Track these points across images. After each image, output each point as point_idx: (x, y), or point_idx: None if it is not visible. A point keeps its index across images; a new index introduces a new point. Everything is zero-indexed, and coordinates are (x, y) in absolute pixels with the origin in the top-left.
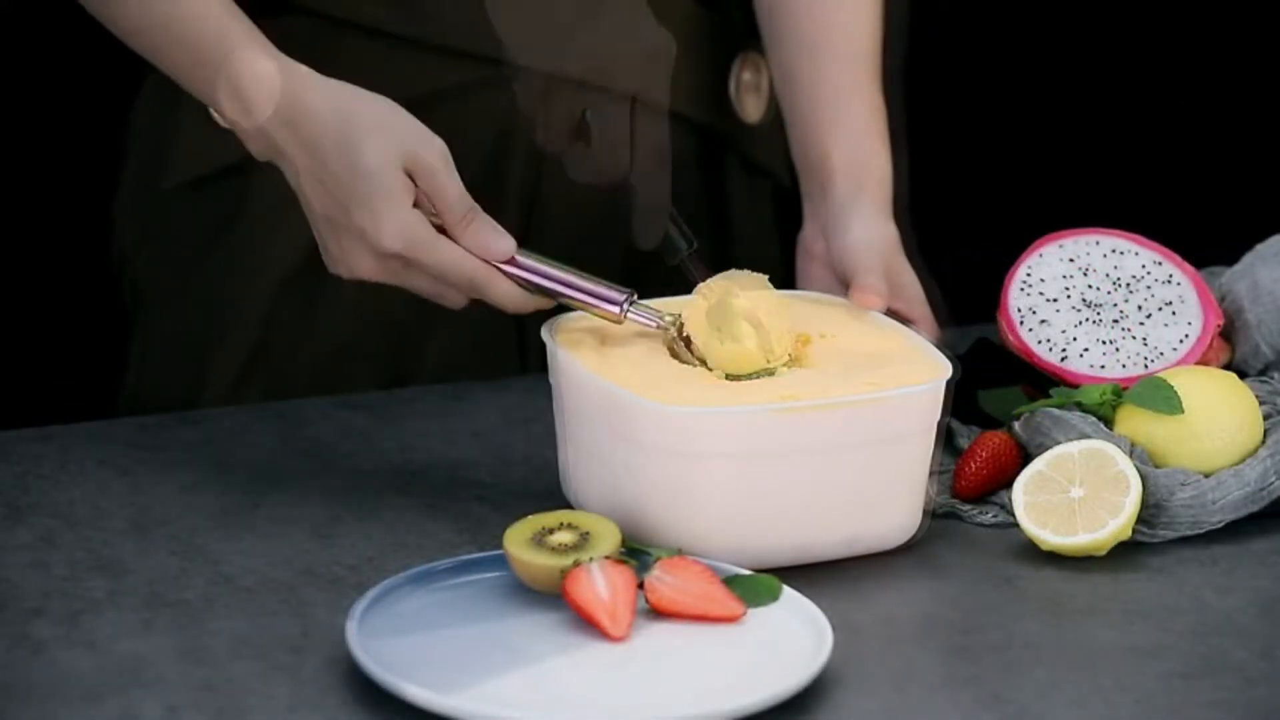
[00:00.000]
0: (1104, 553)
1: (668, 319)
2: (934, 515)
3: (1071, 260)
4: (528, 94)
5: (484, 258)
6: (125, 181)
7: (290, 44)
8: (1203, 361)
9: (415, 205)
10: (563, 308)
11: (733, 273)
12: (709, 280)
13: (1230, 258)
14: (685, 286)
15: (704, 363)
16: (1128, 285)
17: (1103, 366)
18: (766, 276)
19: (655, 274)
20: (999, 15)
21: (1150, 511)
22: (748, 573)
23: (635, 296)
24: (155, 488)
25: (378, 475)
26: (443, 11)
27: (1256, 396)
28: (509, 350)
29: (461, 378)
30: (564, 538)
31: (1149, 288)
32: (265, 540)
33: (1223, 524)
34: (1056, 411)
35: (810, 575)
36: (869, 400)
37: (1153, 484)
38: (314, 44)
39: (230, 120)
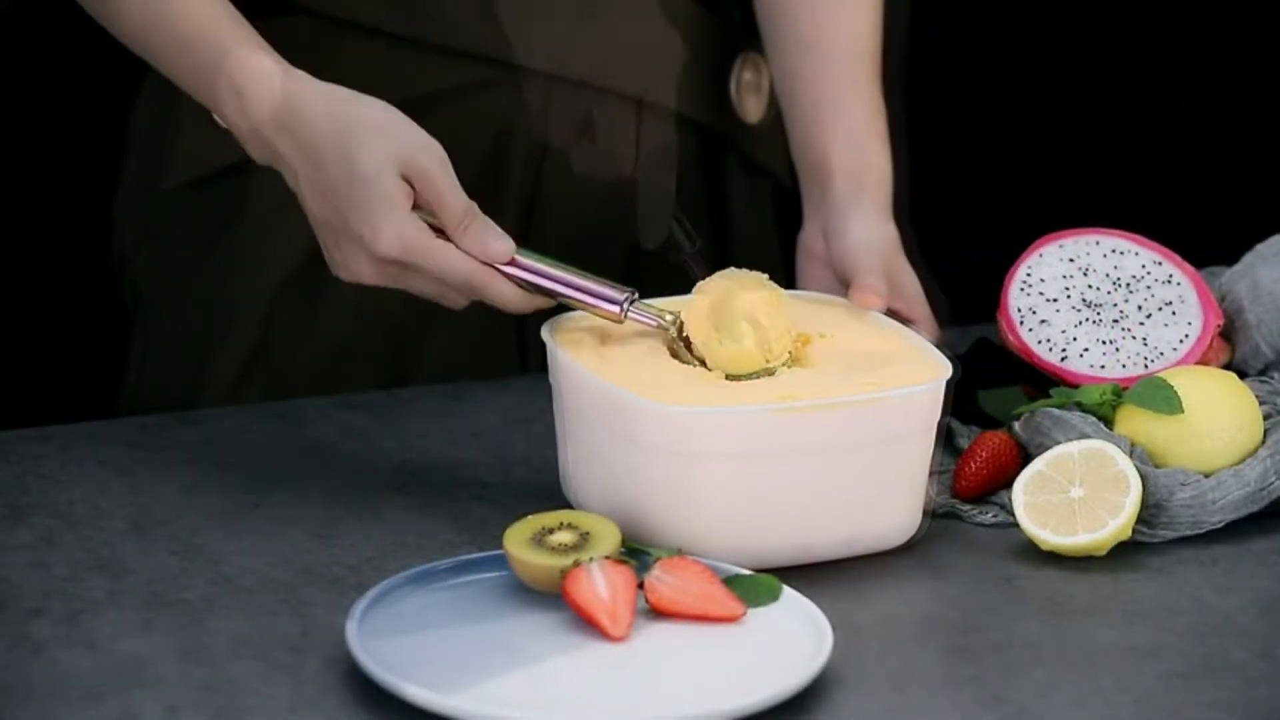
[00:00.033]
0: (1104, 553)
1: (668, 318)
2: (934, 515)
3: (1071, 260)
4: (534, 93)
5: (483, 260)
6: (125, 181)
7: (290, 44)
8: (1203, 361)
9: (415, 207)
10: (563, 307)
11: (732, 271)
12: (708, 279)
13: (1230, 258)
14: (685, 286)
15: (704, 363)
16: (1128, 285)
17: (1103, 366)
18: (766, 276)
19: (655, 274)
20: (999, 15)
21: (1150, 511)
22: (748, 573)
23: (636, 295)
24: (155, 488)
25: (378, 475)
26: (443, 11)
27: (1256, 396)
28: (509, 350)
29: (461, 378)
30: (564, 538)
31: (1149, 288)
32: (265, 540)
33: (1223, 524)
34: (1056, 411)
35: (810, 575)
36: (869, 400)
37: (1153, 484)
38: (314, 44)
39: (229, 124)
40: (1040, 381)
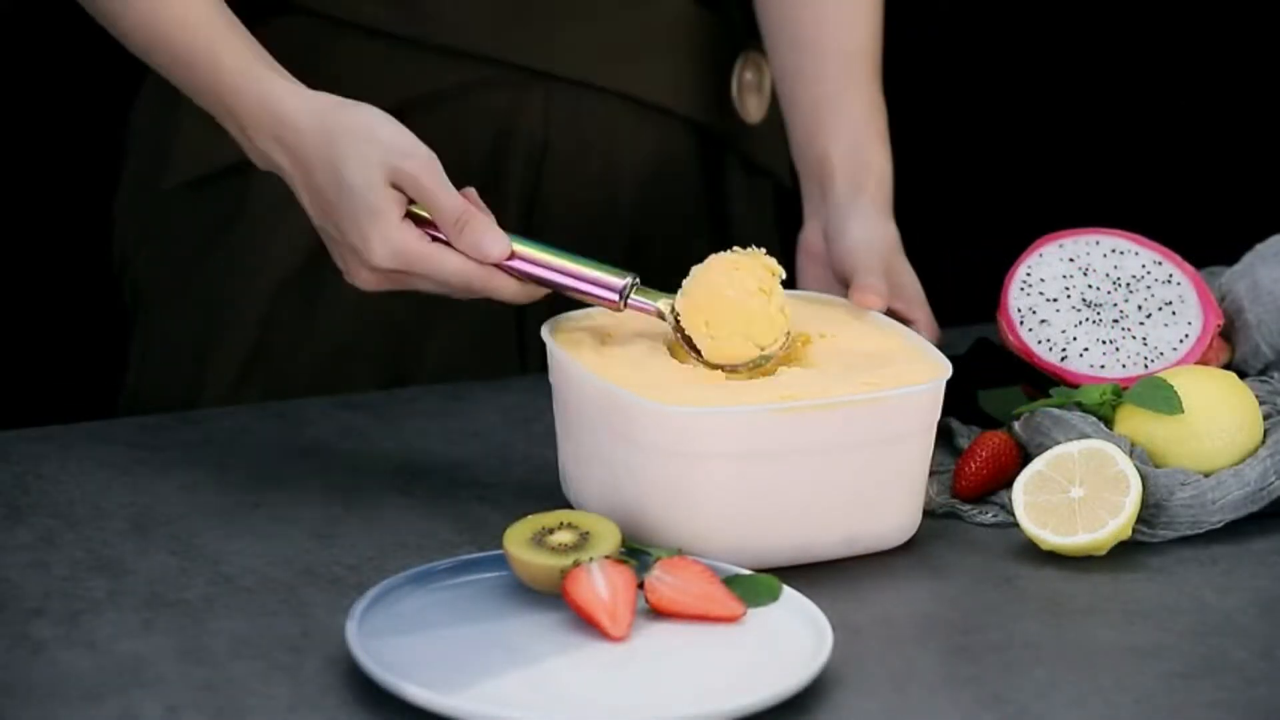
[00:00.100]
0: (1104, 553)
1: (663, 304)
2: (934, 515)
3: (1071, 260)
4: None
5: (480, 260)
6: (125, 181)
7: (290, 44)
8: (1203, 361)
9: (411, 210)
10: (562, 307)
11: (727, 255)
12: (700, 266)
13: (1230, 258)
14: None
15: (700, 354)
16: (1128, 285)
17: (1103, 366)
18: (764, 250)
19: (656, 274)
20: (999, 15)
21: (1150, 511)
22: (748, 573)
23: (637, 281)
24: (155, 488)
25: (378, 475)
26: (443, 11)
27: (1256, 396)
28: (509, 350)
29: (461, 378)
30: (564, 538)
31: (1149, 288)
32: (265, 540)
33: (1223, 524)
34: (1056, 411)
35: (810, 575)
36: (868, 400)
37: (1153, 484)
38: (314, 44)
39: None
40: (1040, 381)
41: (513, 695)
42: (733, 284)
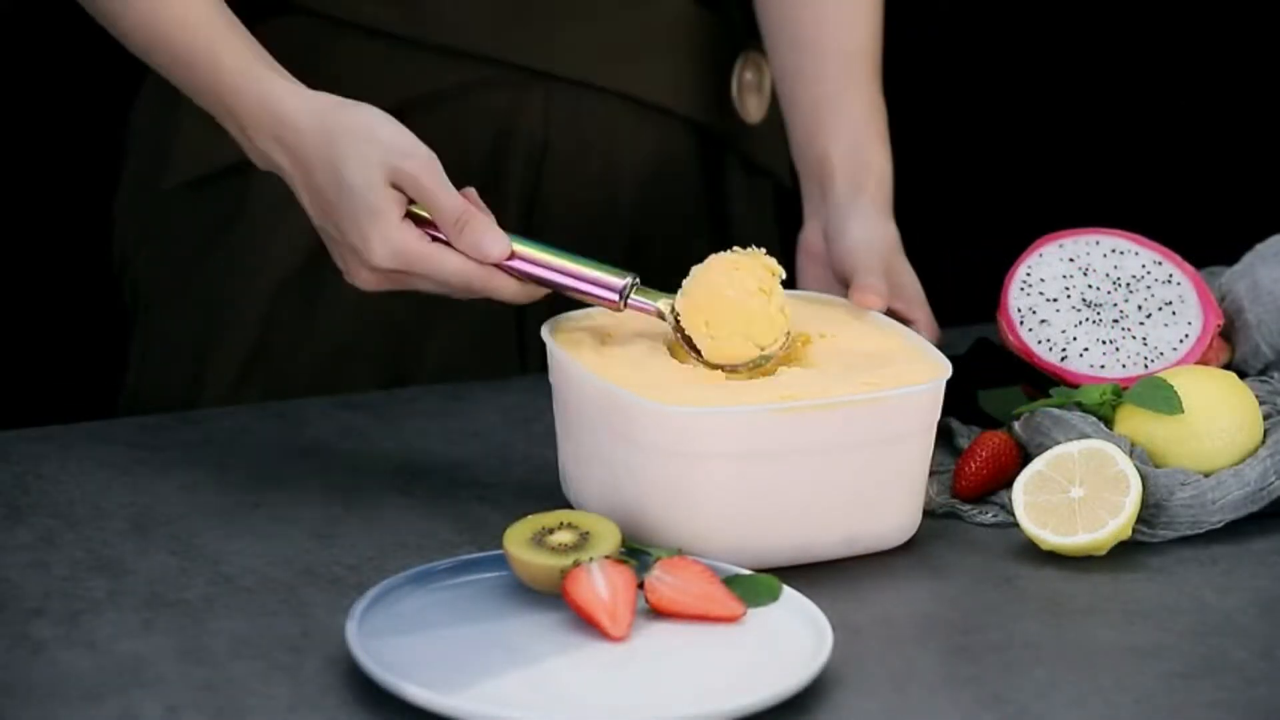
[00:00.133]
0: (1104, 553)
1: (663, 304)
2: (934, 515)
3: (1071, 260)
4: (534, 93)
5: (480, 260)
6: (125, 181)
7: (290, 44)
8: (1203, 361)
9: (411, 210)
10: (562, 307)
11: (727, 255)
12: (700, 266)
13: (1230, 258)
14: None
15: (700, 354)
16: (1128, 285)
17: (1103, 366)
18: (764, 250)
19: (656, 274)
20: (1000, 15)
21: (1150, 511)
22: (748, 573)
23: (637, 281)
24: (155, 488)
25: (378, 475)
26: (443, 11)
27: (1256, 396)
28: (509, 350)
29: (461, 378)
30: (564, 538)
31: (1149, 288)
32: (265, 540)
33: (1223, 524)
34: (1056, 411)
35: (810, 575)
36: (868, 400)
37: (1153, 484)
38: (314, 44)
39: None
40: (1040, 381)
41: (513, 695)
42: (733, 284)
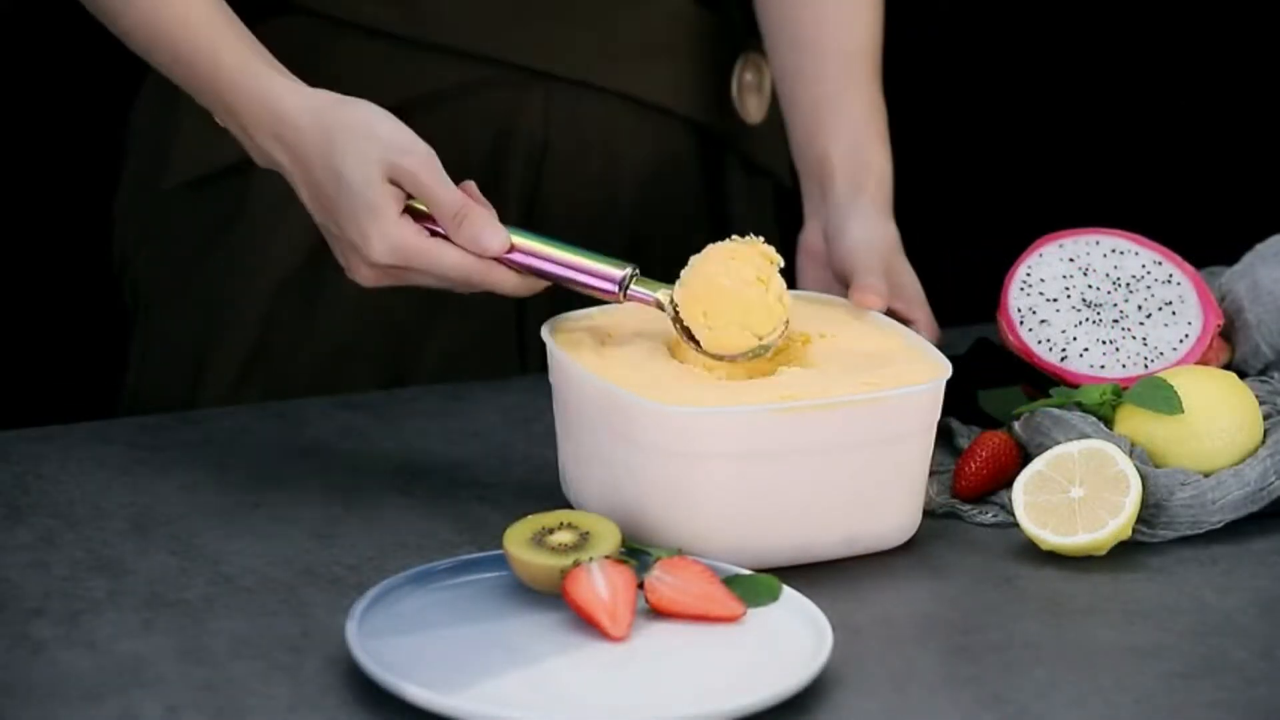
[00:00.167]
0: (1104, 553)
1: (663, 295)
2: (934, 515)
3: (1071, 260)
4: (534, 93)
5: (479, 254)
6: (125, 181)
7: (290, 44)
8: (1203, 361)
9: (410, 205)
10: (562, 307)
11: (724, 245)
12: (698, 256)
13: (1230, 258)
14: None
15: (699, 344)
16: (1128, 285)
17: (1103, 366)
18: (762, 239)
19: (656, 274)
20: (1000, 15)
21: (1150, 511)
22: (748, 573)
23: (636, 271)
24: (155, 488)
25: (378, 475)
26: (442, 11)
27: (1256, 396)
28: (509, 350)
29: (461, 378)
30: (564, 538)
31: (1149, 288)
32: (265, 540)
33: (1223, 524)
34: (1056, 411)
35: (810, 575)
36: (868, 400)
37: (1153, 484)
38: (314, 44)
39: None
40: (1040, 381)
41: (513, 695)
42: (729, 273)
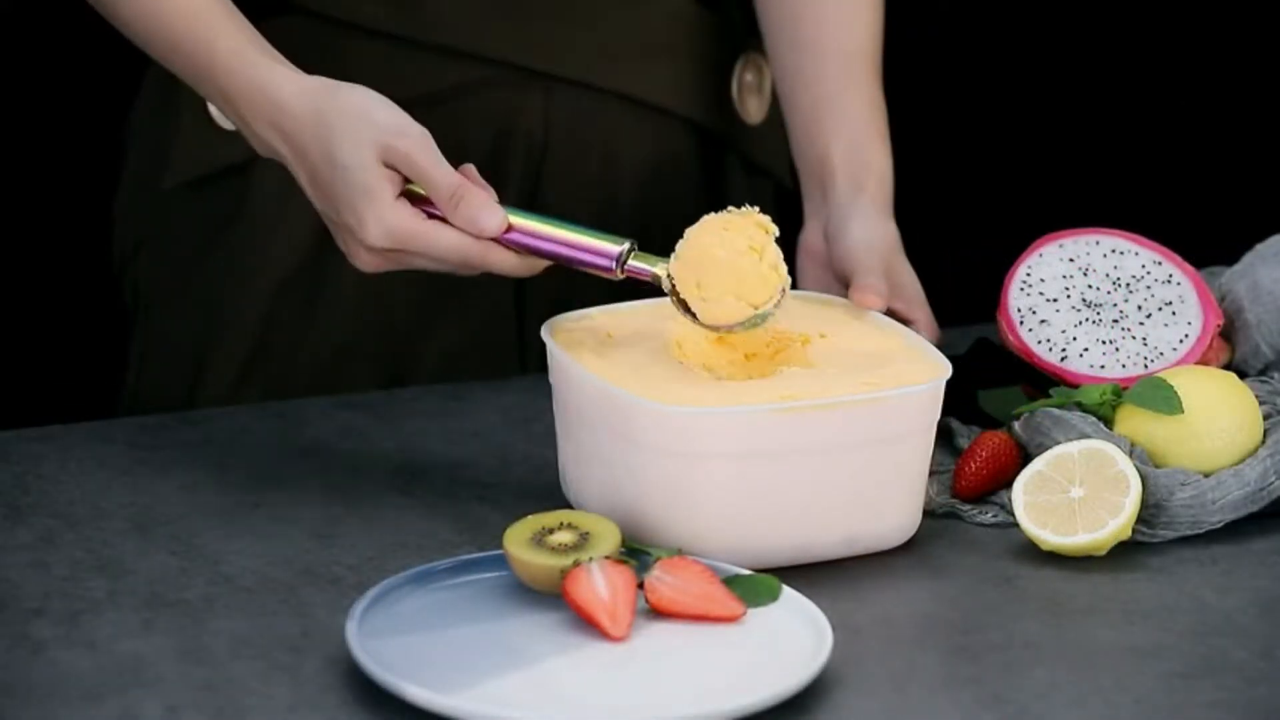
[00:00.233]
0: (1104, 553)
1: (660, 269)
2: (934, 515)
3: (1071, 260)
4: (534, 93)
5: (477, 235)
6: (125, 181)
7: (290, 44)
8: (1203, 361)
9: (409, 189)
10: (562, 307)
11: (717, 215)
12: (661, 265)
13: (1230, 258)
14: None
15: (696, 317)
16: (1128, 285)
17: (1103, 366)
18: (757, 208)
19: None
20: (1000, 15)
21: (1150, 511)
22: (748, 573)
23: (635, 246)
24: (155, 488)
25: (378, 475)
26: (443, 11)
27: (1256, 396)
28: (509, 350)
29: (461, 378)
30: (564, 538)
31: (1149, 288)
32: (265, 540)
33: (1222, 524)
34: (1056, 411)
35: (810, 575)
36: (868, 400)
37: (1153, 484)
38: (314, 44)
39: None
40: (1040, 381)
41: (513, 695)
42: (723, 244)
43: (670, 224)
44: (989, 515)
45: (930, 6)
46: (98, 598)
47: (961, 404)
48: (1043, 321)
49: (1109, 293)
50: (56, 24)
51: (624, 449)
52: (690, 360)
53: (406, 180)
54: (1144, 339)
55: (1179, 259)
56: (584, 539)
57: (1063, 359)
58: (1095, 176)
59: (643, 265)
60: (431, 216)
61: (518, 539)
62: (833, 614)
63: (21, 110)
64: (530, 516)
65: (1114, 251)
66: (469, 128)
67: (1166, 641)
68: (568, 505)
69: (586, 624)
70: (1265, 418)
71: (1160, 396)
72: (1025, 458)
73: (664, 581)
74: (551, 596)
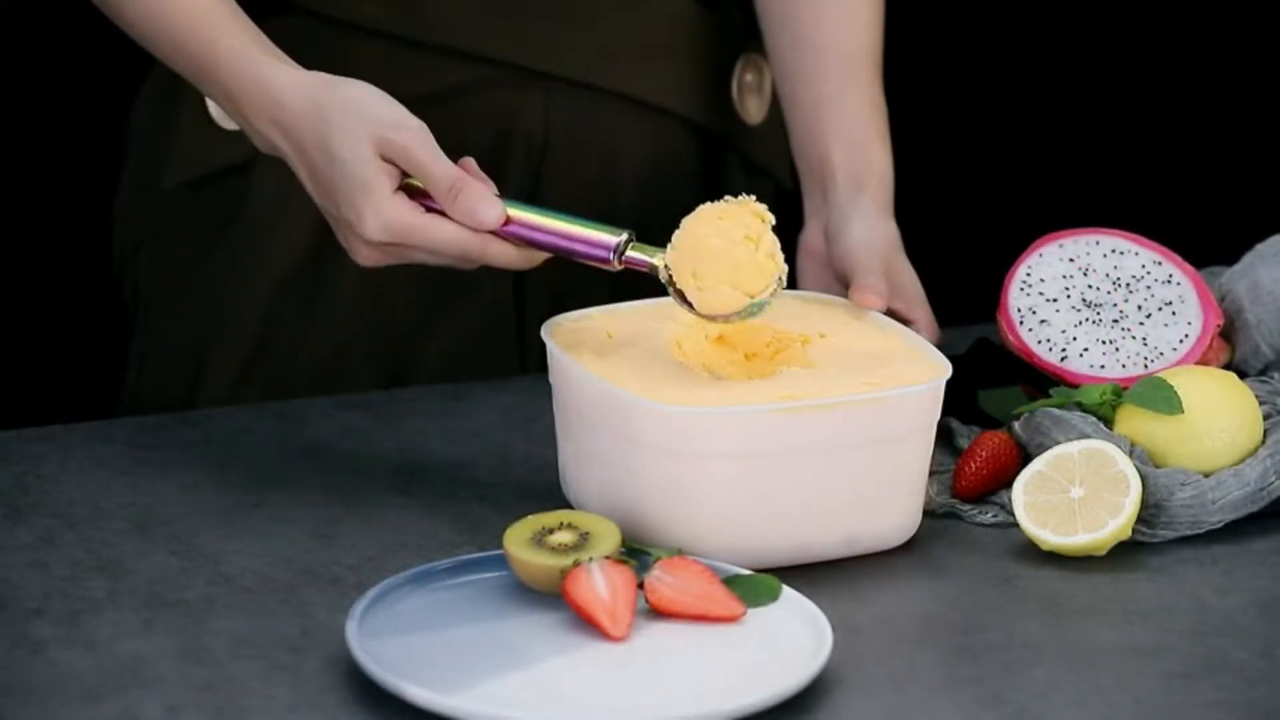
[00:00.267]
0: (1104, 553)
1: (659, 260)
2: (934, 515)
3: (1071, 260)
4: (534, 93)
5: (476, 228)
6: (125, 181)
7: (290, 44)
8: (1203, 361)
9: (408, 182)
10: (562, 306)
11: (713, 205)
12: (690, 218)
13: (1230, 258)
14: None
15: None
16: (1128, 285)
17: (1103, 366)
18: (754, 197)
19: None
20: (999, 15)
21: (1150, 511)
22: (748, 573)
23: (633, 236)
24: (155, 488)
25: (378, 475)
26: (443, 11)
27: (1256, 396)
28: (509, 350)
29: (461, 378)
30: (564, 538)
31: (1149, 288)
32: (265, 540)
33: (1222, 524)
34: (1056, 411)
35: (810, 575)
36: (868, 400)
37: (1153, 484)
38: (314, 44)
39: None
40: (1040, 381)
41: (513, 695)
42: (719, 233)
43: (670, 224)
44: (989, 515)
45: (930, 6)
46: (98, 598)
47: (961, 404)
48: (1043, 321)
49: (1109, 293)
50: (57, 24)
51: (624, 449)
52: (690, 360)
53: (405, 174)
54: (1144, 339)
55: (1179, 259)
56: (584, 539)
57: (1063, 359)
58: (1095, 176)
59: (640, 256)
60: (430, 210)
61: (518, 539)
62: (833, 614)
63: (21, 110)
64: (530, 516)
65: (1114, 251)
66: (469, 128)
67: (1166, 641)
68: (568, 505)
69: (586, 624)
70: (1265, 418)
71: (1160, 396)
72: (1025, 458)
73: (664, 581)
74: (551, 596)
